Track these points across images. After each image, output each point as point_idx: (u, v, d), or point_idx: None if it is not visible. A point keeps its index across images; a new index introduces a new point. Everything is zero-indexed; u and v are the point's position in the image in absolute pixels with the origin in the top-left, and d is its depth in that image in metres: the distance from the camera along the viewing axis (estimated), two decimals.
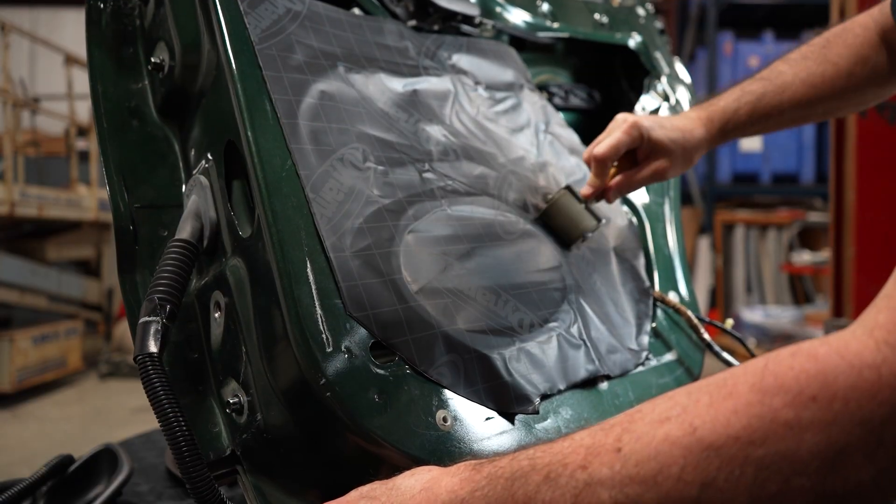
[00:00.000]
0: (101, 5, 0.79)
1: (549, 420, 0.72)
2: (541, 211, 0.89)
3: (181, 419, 0.61)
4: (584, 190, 0.91)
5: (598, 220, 0.91)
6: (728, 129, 0.96)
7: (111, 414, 4.34)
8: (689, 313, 0.96)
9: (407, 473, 0.55)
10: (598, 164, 0.90)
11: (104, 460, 0.91)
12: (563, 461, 0.46)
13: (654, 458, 0.42)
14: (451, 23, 0.97)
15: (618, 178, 0.92)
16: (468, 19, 0.98)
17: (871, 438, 0.38)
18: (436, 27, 0.95)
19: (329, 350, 0.61)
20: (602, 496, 0.43)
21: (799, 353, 0.41)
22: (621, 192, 0.93)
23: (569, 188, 0.90)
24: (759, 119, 0.96)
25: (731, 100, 0.96)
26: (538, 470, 0.47)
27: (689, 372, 0.94)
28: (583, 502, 0.44)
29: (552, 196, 0.89)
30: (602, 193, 0.93)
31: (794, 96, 0.95)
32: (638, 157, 0.93)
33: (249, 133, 0.66)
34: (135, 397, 4.57)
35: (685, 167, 0.95)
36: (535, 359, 0.74)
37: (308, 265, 0.63)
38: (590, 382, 0.80)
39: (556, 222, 0.88)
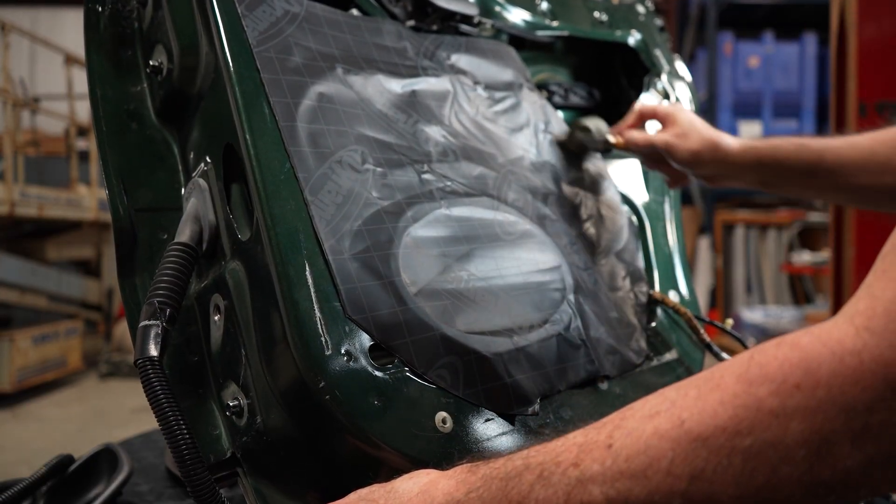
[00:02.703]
0: (100, 8, 0.79)
1: (548, 420, 0.72)
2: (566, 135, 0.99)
3: (182, 422, 0.61)
4: (613, 128, 1.02)
5: (608, 141, 1.00)
6: (764, 158, 0.95)
7: (111, 414, 4.35)
8: (689, 313, 0.96)
9: (405, 476, 0.55)
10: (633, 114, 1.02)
11: (104, 460, 0.91)
12: (556, 459, 0.46)
13: (644, 452, 0.42)
14: (450, 22, 0.96)
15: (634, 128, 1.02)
16: (467, 19, 0.98)
17: (855, 425, 0.38)
18: (434, 27, 0.95)
19: (328, 353, 0.61)
20: (593, 492, 0.44)
21: (783, 344, 0.42)
22: (631, 138, 1.00)
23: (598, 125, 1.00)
24: (806, 167, 0.94)
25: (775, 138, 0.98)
26: (531, 469, 0.47)
27: (689, 371, 0.94)
28: (575, 499, 0.44)
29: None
30: (624, 134, 1.02)
31: (838, 150, 0.93)
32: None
33: (248, 136, 0.65)
34: (135, 397, 4.57)
35: (686, 152, 0.96)
36: (534, 360, 0.74)
37: (307, 268, 0.63)
38: (589, 383, 0.80)
39: (572, 141, 0.99)
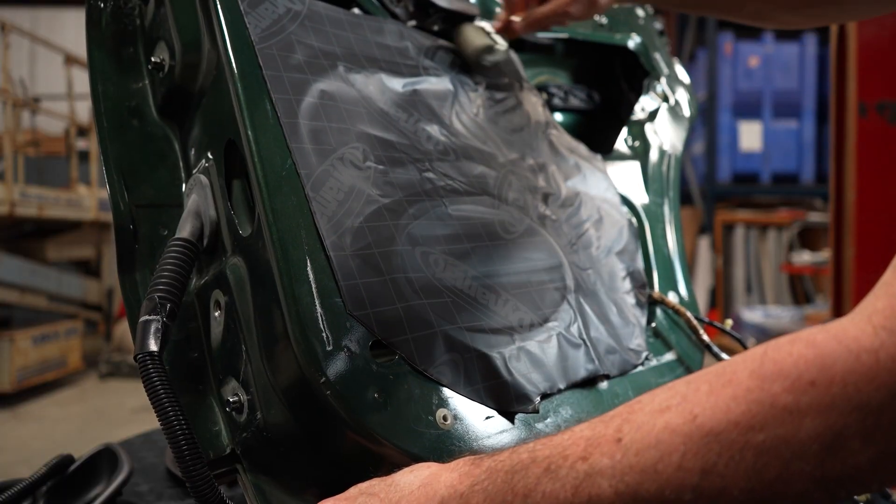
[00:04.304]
0: (102, 5, 0.79)
1: (549, 419, 0.72)
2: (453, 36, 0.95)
3: (181, 418, 0.61)
4: (494, 24, 0.96)
5: (496, 42, 0.94)
6: None
7: (111, 414, 4.35)
8: (689, 314, 0.96)
9: (406, 470, 0.55)
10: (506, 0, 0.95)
11: (104, 460, 0.91)
12: (563, 453, 0.46)
13: (655, 446, 0.42)
14: (451, 23, 0.96)
15: (522, 13, 0.96)
16: (468, 19, 0.98)
17: (868, 422, 0.38)
18: (436, 27, 0.95)
19: (329, 349, 0.61)
20: (602, 486, 0.43)
21: (797, 340, 0.42)
22: (527, 26, 0.95)
23: (483, 27, 0.95)
24: None
25: None
26: (538, 462, 0.47)
27: (689, 372, 0.94)
28: (583, 493, 0.44)
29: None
30: (509, 27, 0.96)
31: None
32: None
33: (249, 132, 0.66)
34: (135, 397, 4.57)
35: (591, 10, 0.94)
36: (535, 358, 0.75)
37: (308, 264, 0.63)
38: (590, 382, 0.80)
39: (462, 45, 0.94)
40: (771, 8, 0.96)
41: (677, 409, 0.43)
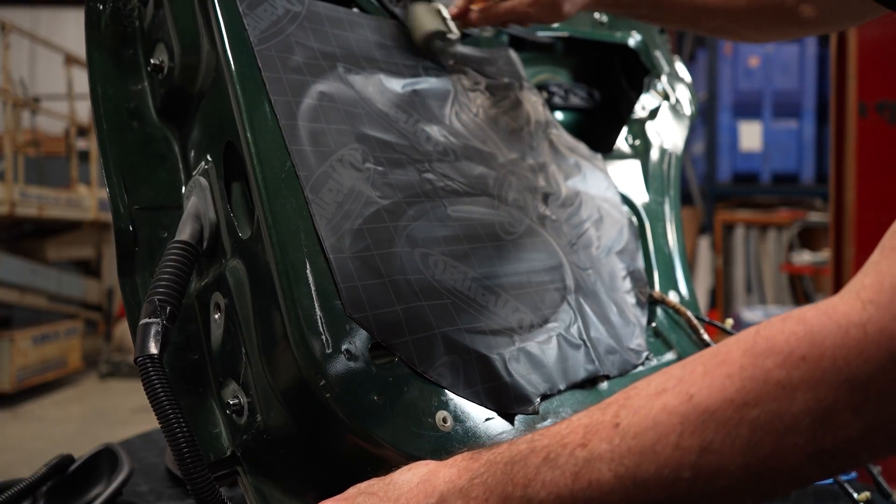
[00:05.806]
0: (101, 7, 0.79)
1: (548, 420, 0.72)
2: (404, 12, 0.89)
3: (182, 420, 0.61)
4: (451, 9, 0.92)
5: (449, 29, 0.89)
6: None
7: (111, 414, 4.35)
8: (689, 314, 0.96)
9: (404, 468, 0.55)
10: None
11: (104, 460, 0.91)
12: (562, 441, 0.46)
13: (653, 428, 0.43)
14: None
15: (482, 3, 0.92)
16: None
17: (858, 395, 0.39)
18: None
19: (329, 351, 0.61)
20: (602, 471, 0.44)
21: (789, 318, 0.43)
22: (484, 19, 0.92)
23: (439, 10, 0.90)
24: (651, 1, 0.97)
25: None
26: (537, 452, 0.47)
27: None
28: (583, 479, 0.44)
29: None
30: (466, 15, 0.92)
31: None
32: None
33: (249, 134, 0.66)
34: (135, 397, 4.58)
35: (552, 16, 0.92)
36: (534, 359, 0.75)
37: (307, 266, 0.63)
38: (590, 382, 0.80)
39: (412, 26, 0.88)
40: (735, 25, 0.98)
41: (673, 391, 0.43)
